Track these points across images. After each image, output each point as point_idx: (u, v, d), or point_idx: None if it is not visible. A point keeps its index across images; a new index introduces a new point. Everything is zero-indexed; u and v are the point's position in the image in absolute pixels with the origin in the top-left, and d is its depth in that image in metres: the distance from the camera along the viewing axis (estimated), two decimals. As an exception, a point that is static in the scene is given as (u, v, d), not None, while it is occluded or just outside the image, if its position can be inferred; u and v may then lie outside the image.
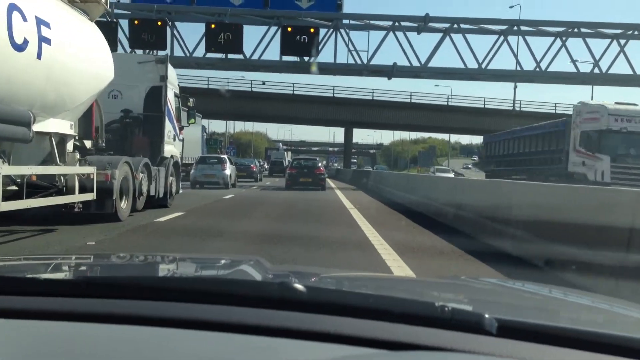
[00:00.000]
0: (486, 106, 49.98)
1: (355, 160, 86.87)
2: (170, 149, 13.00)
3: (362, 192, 22.78)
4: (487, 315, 0.94)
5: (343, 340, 0.91)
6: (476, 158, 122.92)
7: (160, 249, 6.98)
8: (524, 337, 0.92)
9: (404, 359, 0.84)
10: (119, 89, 11.68)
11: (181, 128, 14.38)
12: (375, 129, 61.94)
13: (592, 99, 35.06)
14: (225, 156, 26.65)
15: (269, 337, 0.93)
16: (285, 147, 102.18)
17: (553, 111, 50.60)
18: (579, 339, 0.93)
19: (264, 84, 46.34)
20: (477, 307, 1.23)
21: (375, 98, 48.66)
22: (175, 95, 13.49)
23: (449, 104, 49.36)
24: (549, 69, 27.80)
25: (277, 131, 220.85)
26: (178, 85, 13.97)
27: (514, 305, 1.40)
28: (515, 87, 50.58)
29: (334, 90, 48.00)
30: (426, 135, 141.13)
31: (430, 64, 28.29)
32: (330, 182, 35.53)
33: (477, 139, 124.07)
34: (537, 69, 27.86)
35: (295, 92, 47.44)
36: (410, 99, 49.01)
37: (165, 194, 12.34)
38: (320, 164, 27.04)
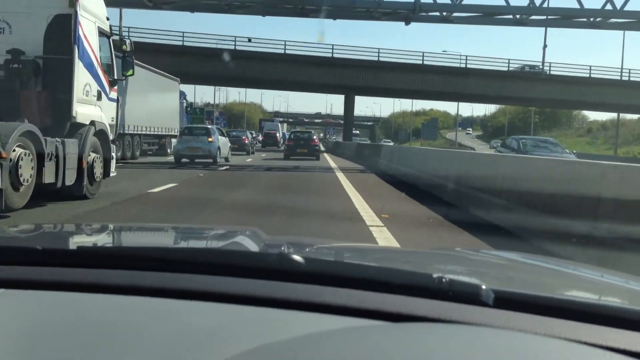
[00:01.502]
0: (510, 69, 42.26)
1: (357, 132, 78.64)
2: (90, 111, 9.32)
3: (383, 182, 15.21)
4: (483, 287, 0.94)
5: (341, 311, 0.91)
6: (471, 131, 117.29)
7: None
8: (520, 308, 0.92)
9: (402, 330, 0.84)
10: (4, 19, 8.68)
11: (112, 83, 10.35)
12: (381, 96, 53.67)
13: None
14: (213, 126, 24.06)
15: (267, 308, 0.92)
16: (280, 119, 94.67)
17: (587, 75, 42.90)
18: (574, 309, 0.92)
19: (249, 41, 38.41)
20: (474, 279, 1.21)
21: (381, 59, 40.85)
22: (101, 33, 9.79)
23: (467, 66, 41.62)
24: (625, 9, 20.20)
25: (273, 102, 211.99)
26: (108, 20, 10.20)
27: (510, 277, 1.39)
28: (545, 46, 42.79)
29: (332, 49, 40.17)
30: (427, 107, 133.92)
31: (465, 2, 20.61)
32: (328, 159, 28.11)
33: (488, 108, 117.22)
34: (609, 8, 20.21)
35: (288, 52, 39.58)
36: (423, 60, 41.22)
37: (79, 179, 8.67)
38: (315, 136, 28.94)
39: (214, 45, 38.35)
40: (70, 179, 8.27)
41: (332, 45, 39.83)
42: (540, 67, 42.70)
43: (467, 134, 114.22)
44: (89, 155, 8.92)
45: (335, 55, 40.16)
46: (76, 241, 1.60)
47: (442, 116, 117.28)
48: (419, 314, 0.89)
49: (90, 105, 9.21)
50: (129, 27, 36.55)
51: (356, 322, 0.88)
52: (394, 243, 5.71)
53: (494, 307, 0.92)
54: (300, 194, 10.28)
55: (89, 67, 9.12)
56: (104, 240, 1.75)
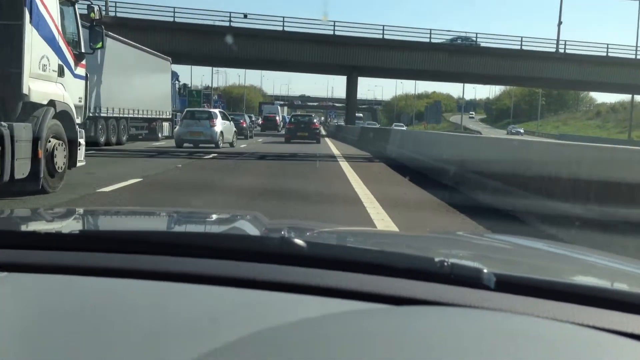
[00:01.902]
0: (523, 47, 39.57)
1: (361, 115, 75.69)
2: (48, 89, 7.77)
3: (396, 173, 12.76)
4: (485, 270, 0.94)
5: (344, 294, 0.90)
6: (474, 114, 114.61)
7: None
8: (522, 291, 0.91)
9: (404, 314, 0.85)
10: None
11: (79, 57, 8.82)
12: (385, 77, 50.70)
13: None
14: (217, 110, 22.49)
15: (269, 292, 0.92)
16: (281, 102, 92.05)
17: (604, 54, 40.21)
18: (576, 293, 0.92)
19: (245, 17, 35.70)
20: (475, 262, 1.23)
21: (386, 37, 38.16)
22: None
23: (477, 43, 38.92)
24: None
25: (273, 85, 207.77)
26: None
27: (511, 260, 1.40)
28: (560, 23, 40.05)
29: (334, 26, 37.46)
30: (430, 89, 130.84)
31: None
32: (329, 145, 25.69)
33: (493, 90, 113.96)
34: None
35: (287, 29, 36.91)
36: (430, 38, 38.54)
37: (35, 171, 7.09)
38: (316, 120, 28.64)
39: (207, 22, 35.70)
40: (22, 171, 6.93)
41: (334, 22, 37.28)
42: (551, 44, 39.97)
43: (470, 117, 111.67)
44: (48, 141, 7.63)
45: (337, 33, 37.47)
46: (76, 225, 1.61)
47: (445, 99, 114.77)
48: (421, 297, 0.89)
49: (49, 82, 7.88)
50: (115, 2, 33.88)
51: (358, 305, 0.88)
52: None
53: (495, 291, 0.91)
54: (294, 198, 7.72)
55: (47, 36, 7.80)
56: (105, 223, 1.73)
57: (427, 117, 79.92)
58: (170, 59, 29.56)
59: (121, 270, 0.98)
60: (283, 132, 31.41)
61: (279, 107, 69.37)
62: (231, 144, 20.77)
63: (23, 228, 1.40)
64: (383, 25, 37.84)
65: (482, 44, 39.14)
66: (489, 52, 38.99)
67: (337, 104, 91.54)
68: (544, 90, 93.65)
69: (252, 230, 1.63)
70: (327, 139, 33.75)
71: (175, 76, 32.70)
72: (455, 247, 1.55)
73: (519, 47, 39.53)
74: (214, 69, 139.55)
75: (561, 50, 39.85)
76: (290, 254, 1.01)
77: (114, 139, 20.53)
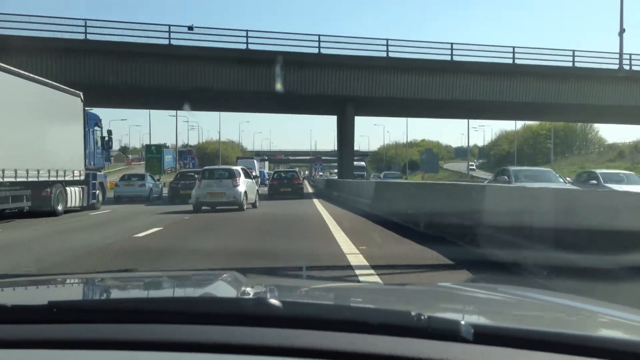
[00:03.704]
0: (576, 64, 28.36)
1: (363, 164, 63.05)
2: None
3: None
4: (463, 322, 0.92)
5: (320, 354, 0.89)
6: (474, 165, 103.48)
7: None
8: (501, 342, 0.90)
9: None
10: None
11: None
12: (388, 113, 36.20)
13: None
14: (239, 167, 19.36)
15: (245, 356, 0.90)
16: (260, 157, 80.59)
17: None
18: (555, 342, 0.91)
19: (191, 29, 24.01)
20: (453, 314, 1.20)
21: (391, 54, 26.74)
22: None
23: (514, 61, 27.69)
24: None
25: (253, 141, 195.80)
26: None
27: (489, 311, 1.36)
28: (622, 31, 28.98)
29: (319, 42, 25.94)
30: (419, 136, 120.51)
31: None
32: (322, 214, 13.92)
33: (485, 135, 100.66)
34: None
35: (251, 46, 25.35)
36: (452, 55, 27.23)
37: None
38: (300, 175, 28.26)
39: (136, 39, 24.03)
40: None
41: (319, 36, 25.70)
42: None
43: (470, 167, 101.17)
44: None
45: (322, 51, 26.00)
46: (45, 296, 1.44)
47: (435, 147, 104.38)
48: (399, 354, 0.87)
49: None
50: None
51: None
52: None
53: (475, 343, 0.89)
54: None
55: None
56: (72, 293, 1.65)
57: (424, 166, 68.87)
58: (80, 93, 18.07)
59: (92, 341, 0.93)
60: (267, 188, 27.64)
61: (255, 161, 57.53)
62: (254, 205, 18.03)
63: None
64: (387, 39, 26.39)
65: (521, 62, 27.86)
66: (532, 71, 27.69)
67: (324, 157, 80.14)
68: (547, 132, 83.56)
69: (228, 291, 1.58)
70: (316, 201, 21.73)
71: (94, 120, 21.03)
72: (434, 299, 1.48)
73: (570, 64, 28.32)
74: (189, 123, 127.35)
75: (626, 67, 28.74)
76: (265, 314, 0.97)
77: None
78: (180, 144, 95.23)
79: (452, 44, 27.17)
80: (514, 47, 27.79)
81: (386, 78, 26.82)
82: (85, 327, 0.98)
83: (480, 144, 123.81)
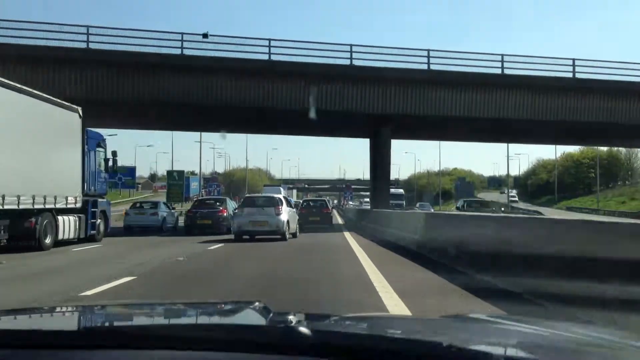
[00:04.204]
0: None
1: (402, 191, 58.27)
2: None
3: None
4: (494, 354, 0.93)
5: None
6: (514, 193, 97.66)
7: None
8: None
9: None
10: None
11: None
12: (428, 136, 32.50)
13: None
14: (281, 195, 19.04)
15: None
16: (289, 185, 77.41)
17: None
18: None
19: (205, 37, 20.95)
20: (484, 346, 1.17)
21: (433, 66, 23.30)
22: None
23: (575, 75, 23.94)
24: None
25: (281, 168, 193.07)
26: None
27: (521, 343, 1.33)
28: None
29: (351, 52, 22.70)
30: (450, 166, 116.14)
31: None
32: (363, 263, 10.05)
33: (505, 168, 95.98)
34: None
35: (274, 57, 22.20)
36: (502, 67, 23.65)
37: None
38: (329, 204, 29.10)
39: (144, 49, 21.09)
40: None
41: (351, 45, 22.45)
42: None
43: (511, 197, 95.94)
44: None
45: (355, 63, 22.71)
46: (74, 322, 1.57)
47: (468, 175, 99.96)
48: None
49: None
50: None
51: None
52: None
53: None
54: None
55: None
56: (104, 319, 1.68)
57: (459, 195, 64.91)
58: (78, 108, 15.24)
59: None
60: None
61: (282, 189, 54.24)
62: (294, 235, 17.16)
63: (20, 327, 1.36)
64: (428, 50, 22.94)
65: (579, 75, 24.08)
66: (596, 86, 23.89)
67: (354, 185, 76.57)
68: (590, 160, 78.52)
69: (257, 320, 1.60)
70: (348, 236, 18.19)
71: (96, 140, 18.17)
72: (464, 330, 1.51)
73: (640, 79, 24.42)
74: (216, 151, 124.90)
75: None
76: (294, 343, 0.97)
77: None
78: (209, 171, 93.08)
79: (502, 55, 23.63)
80: (574, 60, 24.09)
81: (427, 93, 23.34)
82: (115, 353, 0.98)
83: (513, 173, 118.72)
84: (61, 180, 14.67)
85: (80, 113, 16.09)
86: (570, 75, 23.98)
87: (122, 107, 22.65)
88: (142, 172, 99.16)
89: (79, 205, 15.75)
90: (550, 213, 49.79)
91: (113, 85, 21.15)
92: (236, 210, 23.70)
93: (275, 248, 13.97)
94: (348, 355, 0.94)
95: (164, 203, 26.97)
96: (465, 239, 8.29)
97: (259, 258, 11.07)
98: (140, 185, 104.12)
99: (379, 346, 0.98)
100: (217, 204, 22.58)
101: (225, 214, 21.02)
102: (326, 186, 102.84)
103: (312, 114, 20.65)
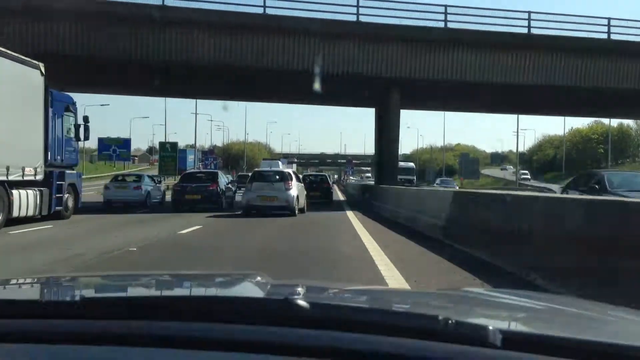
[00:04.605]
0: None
1: (411, 164, 54.77)
2: None
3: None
4: (491, 328, 0.92)
5: (347, 356, 0.89)
6: (509, 168, 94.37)
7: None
8: (530, 348, 0.89)
9: None
10: None
11: None
12: (440, 105, 29.73)
13: None
14: (290, 170, 18.81)
15: (272, 355, 0.91)
16: (288, 159, 74.66)
17: None
18: (584, 349, 0.90)
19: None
20: (481, 320, 1.18)
21: (450, 24, 20.38)
22: None
23: (609, 37, 21.05)
24: None
25: (282, 143, 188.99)
26: None
27: (518, 317, 1.34)
28: None
29: (357, 6, 19.75)
30: (453, 142, 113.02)
31: None
32: (371, 250, 7.31)
33: (511, 143, 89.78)
34: None
35: (269, 11, 19.27)
36: (529, 27, 20.74)
37: None
38: (329, 179, 28.22)
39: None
40: None
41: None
42: None
43: (502, 169, 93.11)
44: None
45: (362, 19, 19.79)
46: (76, 292, 1.55)
47: (471, 151, 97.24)
48: (426, 357, 0.87)
49: None
50: None
51: None
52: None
53: (503, 349, 0.88)
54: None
55: None
56: (103, 289, 1.67)
57: (463, 172, 62.16)
58: (40, 64, 12.52)
59: (123, 336, 0.94)
60: None
61: (280, 163, 51.51)
62: (302, 210, 16.38)
63: (21, 297, 1.35)
64: (445, 6, 19.96)
65: (614, 36, 21.19)
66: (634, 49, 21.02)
67: (355, 160, 73.89)
68: (599, 136, 75.58)
69: (254, 291, 1.57)
70: (350, 215, 15.70)
71: (62, 103, 15.49)
72: (460, 304, 1.47)
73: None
74: (214, 124, 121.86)
75: None
76: (292, 315, 0.97)
77: None
78: (208, 145, 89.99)
79: (529, 12, 20.68)
80: (609, 19, 21.13)
81: (441, 56, 20.47)
82: (114, 323, 0.98)
83: (516, 149, 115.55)
84: (16, 148, 12.21)
85: (43, 70, 13.51)
86: (604, 36, 21.07)
87: (99, 68, 19.82)
88: (141, 144, 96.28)
89: (39, 177, 13.29)
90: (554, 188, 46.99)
91: (84, 40, 18.33)
92: (228, 185, 21.55)
93: (267, 232, 11.37)
94: (345, 327, 0.92)
95: (149, 176, 24.31)
96: (535, 230, 5.65)
97: (236, 251, 8.42)
98: (137, 158, 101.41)
99: (375, 319, 0.98)
100: (208, 177, 20.21)
101: (216, 189, 18.67)
102: (328, 160, 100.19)
103: (317, 85, 17.88)
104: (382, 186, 19.37)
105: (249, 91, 26.47)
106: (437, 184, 38.70)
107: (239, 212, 16.06)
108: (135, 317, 0.99)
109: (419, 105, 28.65)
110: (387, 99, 21.90)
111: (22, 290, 1.53)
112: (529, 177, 65.99)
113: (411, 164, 51.64)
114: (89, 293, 1.52)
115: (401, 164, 36.76)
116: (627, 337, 1.12)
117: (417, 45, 20.26)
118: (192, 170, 30.86)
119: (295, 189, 16.02)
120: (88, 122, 16.86)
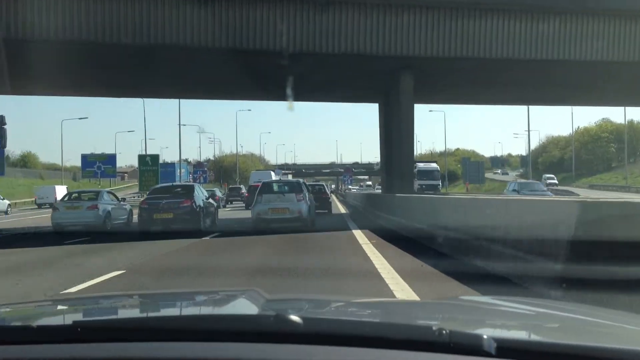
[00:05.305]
0: None
1: (434, 167, 46.71)
2: None
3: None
4: (485, 336, 0.91)
5: None
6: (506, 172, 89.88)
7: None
8: (524, 356, 0.88)
9: None
10: None
11: None
12: (458, 93, 23.00)
13: None
14: (300, 180, 17.75)
15: None
16: (284, 171, 70.12)
17: None
18: (577, 354, 0.89)
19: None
20: (475, 328, 1.15)
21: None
22: None
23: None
24: None
25: (276, 155, 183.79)
26: None
27: (512, 324, 1.32)
28: None
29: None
30: (453, 147, 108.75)
31: None
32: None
33: (510, 147, 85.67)
34: None
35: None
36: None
37: None
38: (327, 188, 26.49)
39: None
40: None
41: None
42: None
43: (503, 173, 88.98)
44: None
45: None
46: (67, 316, 1.52)
47: (471, 156, 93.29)
48: None
49: None
50: None
51: None
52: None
53: (497, 357, 0.87)
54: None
55: None
56: (96, 313, 1.61)
57: (467, 176, 58.07)
58: None
59: (112, 359, 0.93)
60: None
61: (273, 173, 46.90)
62: (312, 223, 15.24)
63: (14, 324, 1.32)
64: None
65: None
66: None
67: (353, 169, 69.53)
68: (609, 135, 71.29)
69: (249, 308, 1.54)
70: (357, 234, 11.12)
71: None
72: (453, 313, 1.46)
73: None
74: (208, 136, 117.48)
75: None
76: (286, 331, 0.95)
77: None
78: (203, 158, 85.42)
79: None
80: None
81: (465, 27, 15.96)
82: (108, 346, 0.96)
83: (515, 152, 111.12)
84: None
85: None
86: None
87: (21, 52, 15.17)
88: (132, 161, 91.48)
89: None
90: (579, 192, 42.32)
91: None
92: (209, 200, 17.60)
93: (230, 281, 6.77)
94: (339, 341, 0.91)
95: (109, 192, 19.65)
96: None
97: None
98: (127, 174, 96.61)
99: (369, 332, 0.96)
100: (182, 192, 16.08)
101: (191, 205, 14.71)
102: (324, 170, 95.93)
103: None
104: (400, 195, 14.70)
105: (227, 88, 21.84)
106: (513, 190, 25.31)
107: (216, 234, 13.42)
108: (129, 339, 0.96)
109: (432, 95, 23.87)
110: (396, 86, 17.28)
111: (12, 315, 1.46)
112: (556, 181, 55.85)
113: (434, 165, 41.84)
114: (81, 317, 1.48)
115: (420, 165, 31.10)
116: (621, 341, 1.09)
117: (431, 14, 15.72)
118: (164, 184, 26.40)
119: (308, 201, 15.29)
120: (4, 123, 12.34)
